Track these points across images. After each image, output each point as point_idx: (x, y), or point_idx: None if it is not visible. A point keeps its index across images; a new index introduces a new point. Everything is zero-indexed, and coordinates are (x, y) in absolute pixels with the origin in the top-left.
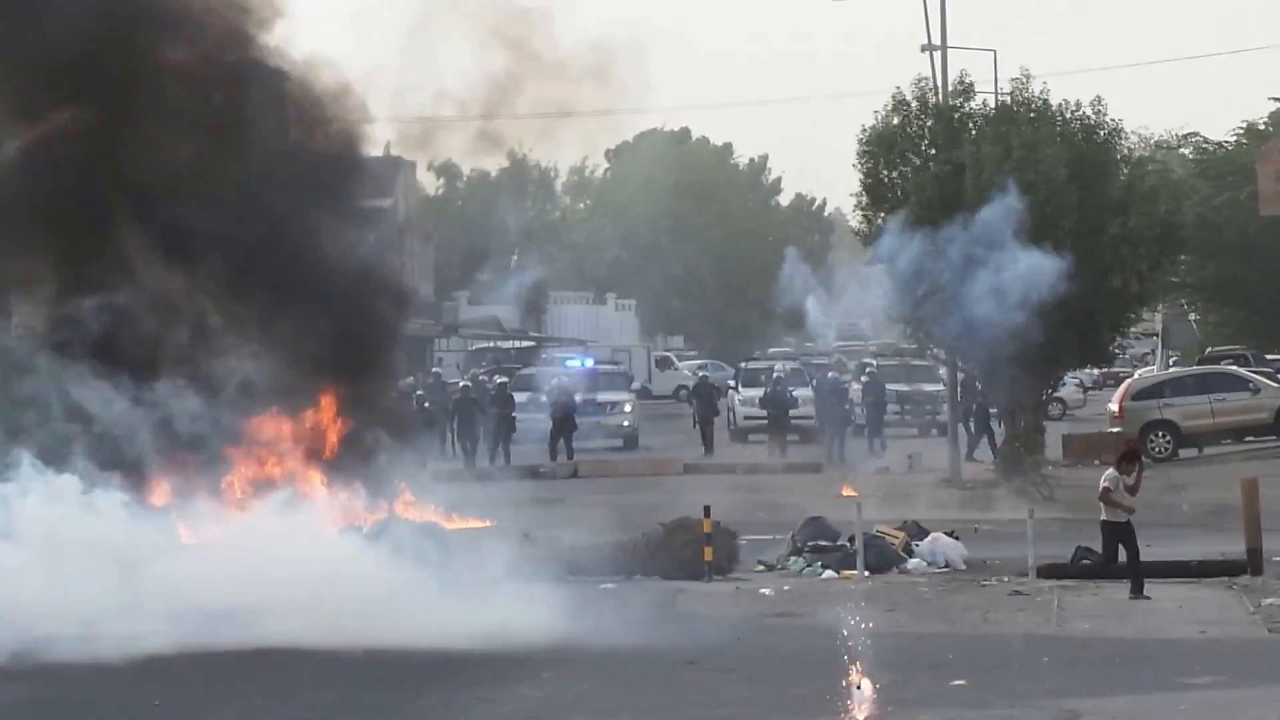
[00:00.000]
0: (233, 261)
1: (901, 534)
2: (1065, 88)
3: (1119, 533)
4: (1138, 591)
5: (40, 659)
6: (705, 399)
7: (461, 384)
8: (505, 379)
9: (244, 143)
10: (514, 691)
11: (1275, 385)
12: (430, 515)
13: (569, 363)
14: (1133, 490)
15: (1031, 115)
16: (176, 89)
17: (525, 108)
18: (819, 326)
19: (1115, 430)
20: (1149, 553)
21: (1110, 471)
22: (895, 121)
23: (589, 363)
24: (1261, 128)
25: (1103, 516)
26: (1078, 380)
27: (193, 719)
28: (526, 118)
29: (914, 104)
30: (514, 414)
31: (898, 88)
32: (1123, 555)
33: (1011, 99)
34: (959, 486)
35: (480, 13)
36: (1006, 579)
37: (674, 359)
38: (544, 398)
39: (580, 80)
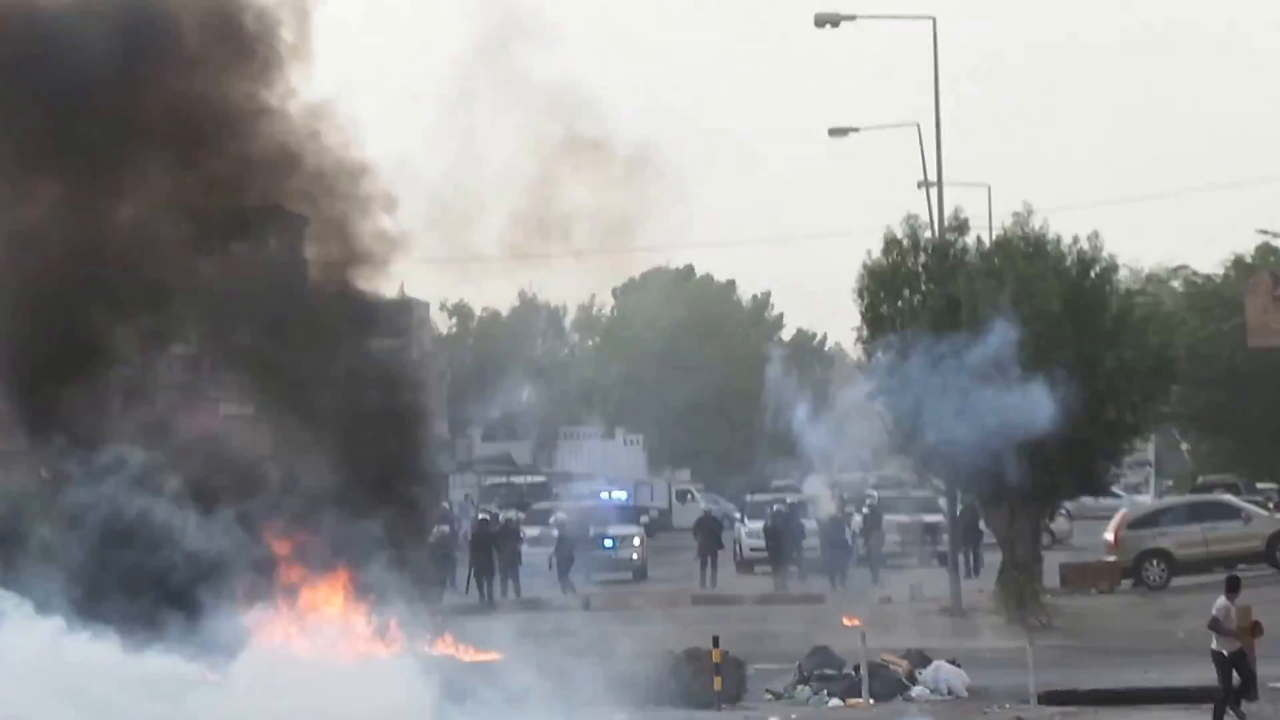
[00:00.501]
0: (259, 394)
1: (905, 662)
2: (1059, 222)
3: (1232, 660)
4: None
5: None
6: (709, 532)
7: (480, 518)
8: (513, 514)
9: (264, 283)
10: None
11: (1266, 514)
12: (447, 648)
13: (602, 494)
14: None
15: (1029, 250)
16: (194, 220)
17: (568, 202)
18: (812, 446)
19: (1111, 559)
20: (1146, 679)
21: (1221, 600)
22: (890, 258)
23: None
24: (1249, 260)
25: (1213, 646)
26: (1065, 510)
27: None
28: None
29: (904, 241)
30: (520, 548)
31: (888, 226)
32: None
33: (1009, 232)
34: (960, 615)
35: (525, 95)
36: (1008, 705)
37: (695, 492)
38: (554, 531)
39: (630, 172)
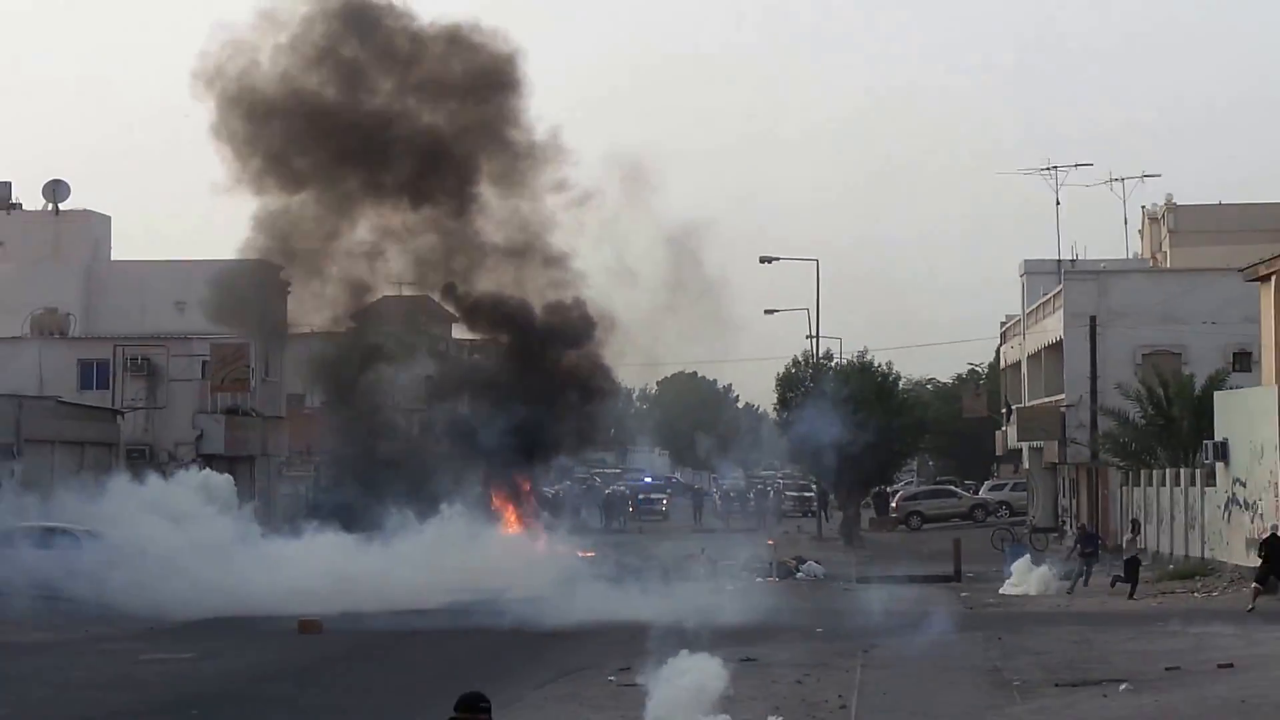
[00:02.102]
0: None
1: (794, 560)
2: (878, 356)
3: (1132, 562)
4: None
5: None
6: (698, 496)
7: (607, 491)
8: (609, 489)
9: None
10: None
11: (968, 495)
12: (567, 549)
13: (645, 479)
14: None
15: (859, 369)
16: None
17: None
18: (750, 458)
19: (894, 516)
20: (908, 569)
21: (1129, 535)
22: (792, 371)
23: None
24: (964, 377)
25: (1125, 555)
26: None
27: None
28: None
29: (801, 363)
30: (615, 501)
31: (794, 356)
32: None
33: (856, 362)
34: (821, 540)
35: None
36: (843, 582)
37: (718, 478)
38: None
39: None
